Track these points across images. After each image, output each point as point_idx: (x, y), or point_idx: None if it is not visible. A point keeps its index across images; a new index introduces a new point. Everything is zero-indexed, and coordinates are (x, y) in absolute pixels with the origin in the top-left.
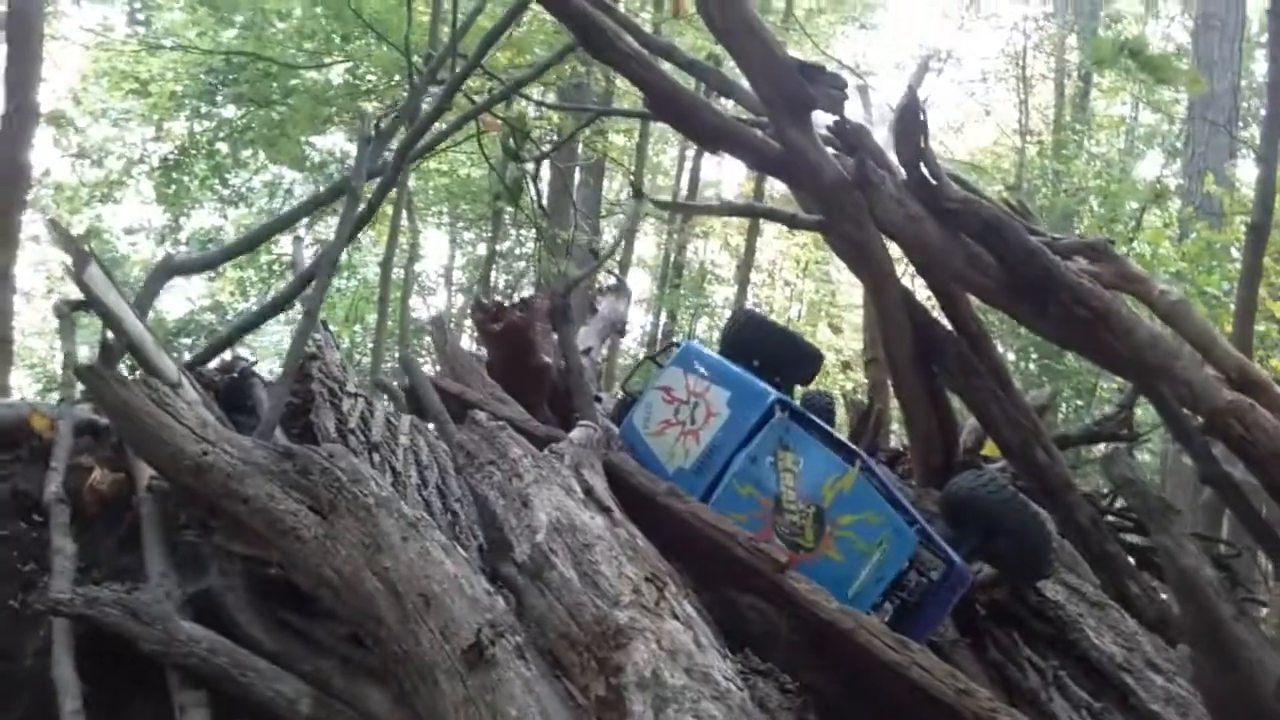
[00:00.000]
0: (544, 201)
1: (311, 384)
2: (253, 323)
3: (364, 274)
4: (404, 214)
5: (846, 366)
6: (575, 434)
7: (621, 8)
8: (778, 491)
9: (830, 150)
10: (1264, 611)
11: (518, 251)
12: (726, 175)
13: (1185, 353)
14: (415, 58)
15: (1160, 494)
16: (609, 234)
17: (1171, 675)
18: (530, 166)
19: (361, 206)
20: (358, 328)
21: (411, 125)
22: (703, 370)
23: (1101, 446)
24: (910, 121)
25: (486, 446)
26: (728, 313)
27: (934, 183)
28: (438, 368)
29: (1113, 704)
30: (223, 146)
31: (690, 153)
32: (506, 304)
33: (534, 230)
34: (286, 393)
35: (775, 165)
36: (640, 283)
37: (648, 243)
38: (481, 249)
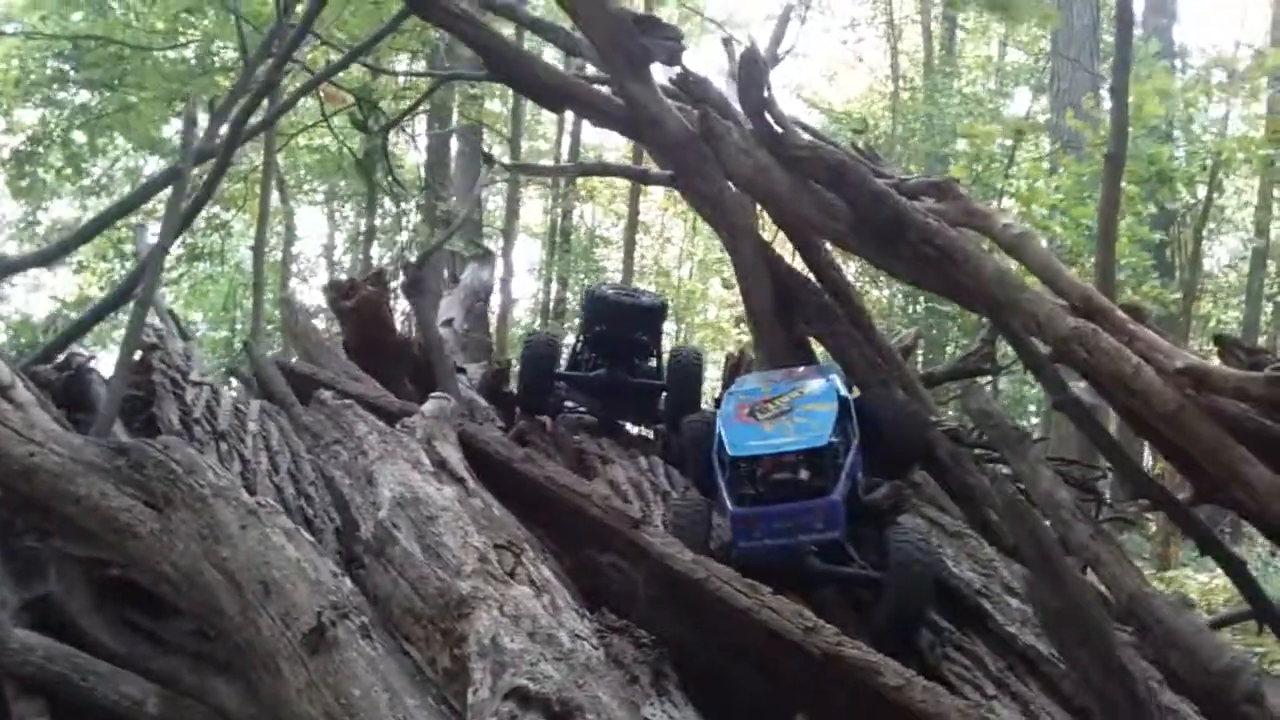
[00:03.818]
0: (422, 172)
1: (153, 375)
2: (90, 319)
3: (236, 260)
4: (275, 193)
5: (739, 321)
6: (427, 407)
7: None
8: None
9: (677, 105)
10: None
11: (398, 225)
12: (609, 139)
13: (1031, 285)
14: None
15: (1015, 424)
16: (493, 202)
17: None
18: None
19: (197, 192)
20: (238, 313)
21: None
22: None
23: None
24: (752, 70)
25: (332, 425)
26: (618, 277)
27: (779, 131)
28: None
29: (971, 627)
30: (78, 135)
31: (571, 116)
32: (359, 280)
33: (414, 203)
34: (123, 386)
35: (619, 121)
36: (529, 250)
37: (534, 209)
38: (363, 225)
